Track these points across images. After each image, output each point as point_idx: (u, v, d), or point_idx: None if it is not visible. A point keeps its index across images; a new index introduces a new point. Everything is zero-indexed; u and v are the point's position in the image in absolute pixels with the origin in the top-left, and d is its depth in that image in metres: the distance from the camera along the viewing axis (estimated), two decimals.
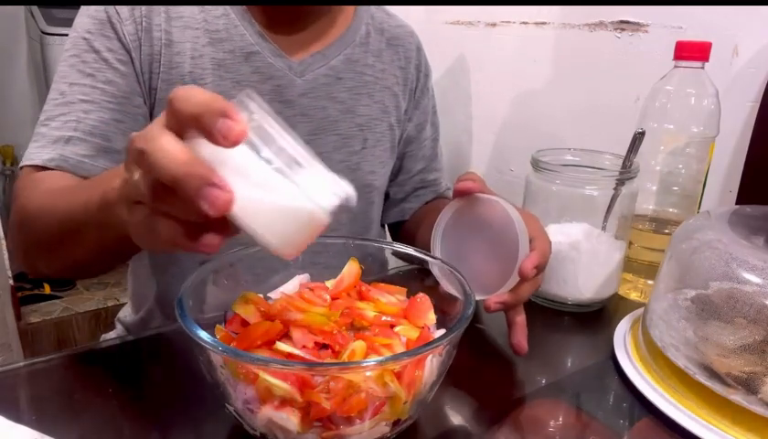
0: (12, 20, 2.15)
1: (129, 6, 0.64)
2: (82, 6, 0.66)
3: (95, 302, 1.89)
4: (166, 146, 0.31)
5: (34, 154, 0.61)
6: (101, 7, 0.64)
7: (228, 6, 0.69)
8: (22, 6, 2.11)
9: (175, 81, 0.66)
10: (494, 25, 1.11)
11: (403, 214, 0.87)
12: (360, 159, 0.77)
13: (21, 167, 0.62)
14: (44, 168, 0.60)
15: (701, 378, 0.47)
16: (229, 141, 0.31)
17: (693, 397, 0.47)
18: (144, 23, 0.65)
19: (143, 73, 0.65)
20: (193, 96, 0.32)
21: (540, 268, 0.53)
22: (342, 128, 0.75)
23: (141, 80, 0.66)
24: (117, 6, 0.64)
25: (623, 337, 0.58)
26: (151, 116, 0.67)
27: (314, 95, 0.72)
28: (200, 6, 0.68)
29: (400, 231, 0.89)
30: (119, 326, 0.83)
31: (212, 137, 0.31)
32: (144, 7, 0.65)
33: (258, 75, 0.69)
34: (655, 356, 0.52)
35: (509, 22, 1.08)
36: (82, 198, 0.46)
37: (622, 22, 0.90)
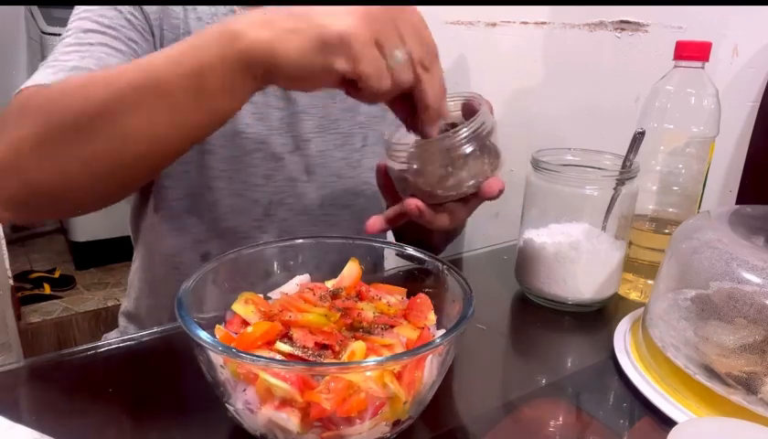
0: (12, 20, 2.15)
1: None
2: None
3: (95, 302, 1.89)
4: None
5: (42, 78, 0.51)
6: None
7: (235, 7, 0.69)
8: (22, 6, 2.11)
9: None
10: (494, 25, 1.11)
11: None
12: (361, 157, 0.78)
13: (20, 90, 0.50)
14: None
15: (701, 378, 0.47)
16: None
17: (693, 397, 0.47)
18: (162, 6, 0.64)
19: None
20: None
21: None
22: (343, 126, 0.76)
23: None
24: None
25: (623, 337, 0.58)
26: None
27: (315, 94, 0.73)
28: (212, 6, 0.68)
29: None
30: (122, 322, 0.83)
31: None
32: None
33: None
34: (655, 356, 0.52)
35: (509, 22, 1.08)
36: (176, 57, 0.42)
37: (622, 22, 0.90)
